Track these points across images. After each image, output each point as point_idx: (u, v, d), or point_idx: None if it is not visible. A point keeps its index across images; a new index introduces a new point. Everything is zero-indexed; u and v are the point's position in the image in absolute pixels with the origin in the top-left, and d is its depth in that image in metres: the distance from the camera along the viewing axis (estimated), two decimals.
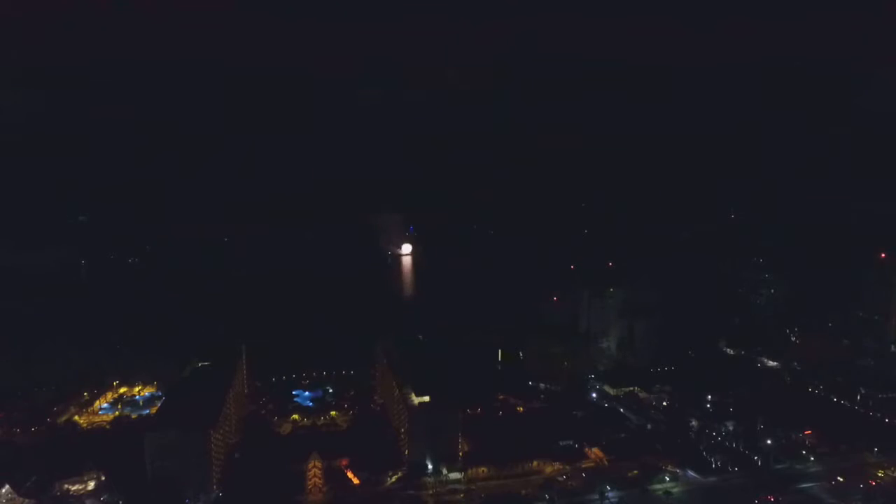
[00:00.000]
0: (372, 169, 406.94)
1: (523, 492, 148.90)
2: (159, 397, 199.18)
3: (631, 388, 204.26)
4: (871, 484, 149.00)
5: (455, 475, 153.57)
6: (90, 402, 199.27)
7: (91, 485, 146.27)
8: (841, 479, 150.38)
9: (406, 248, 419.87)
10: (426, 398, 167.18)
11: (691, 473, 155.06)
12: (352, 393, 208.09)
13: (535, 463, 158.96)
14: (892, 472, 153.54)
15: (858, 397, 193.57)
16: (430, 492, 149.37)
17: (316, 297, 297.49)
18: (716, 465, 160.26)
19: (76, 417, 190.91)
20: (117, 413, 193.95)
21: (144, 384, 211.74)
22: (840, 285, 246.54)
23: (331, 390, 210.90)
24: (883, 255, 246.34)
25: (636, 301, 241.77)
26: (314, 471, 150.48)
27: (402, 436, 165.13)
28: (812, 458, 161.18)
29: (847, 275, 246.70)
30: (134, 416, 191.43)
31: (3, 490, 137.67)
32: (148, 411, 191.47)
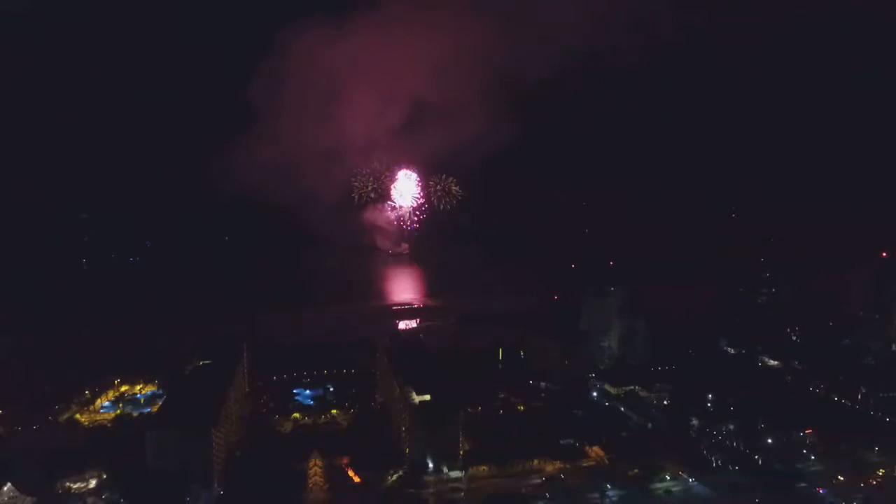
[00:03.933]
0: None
1: (524, 490, 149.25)
2: (160, 395, 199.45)
3: (632, 387, 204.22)
4: (871, 483, 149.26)
5: (456, 473, 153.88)
6: (91, 401, 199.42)
7: (92, 483, 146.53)
8: (841, 479, 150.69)
9: (405, 247, 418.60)
10: (427, 397, 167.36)
11: (692, 472, 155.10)
12: (353, 391, 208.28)
13: (535, 461, 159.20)
14: (893, 471, 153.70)
15: (859, 397, 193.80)
16: (431, 490, 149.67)
17: (315, 295, 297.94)
18: (716, 464, 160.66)
19: (77, 415, 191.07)
20: (118, 411, 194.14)
21: (146, 382, 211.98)
22: (840, 284, 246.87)
23: (332, 389, 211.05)
24: (884, 254, 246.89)
25: (637, 300, 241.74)
26: (315, 469, 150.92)
27: (403, 434, 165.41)
28: (813, 458, 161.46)
29: (848, 274, 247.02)
30: (135, 414, 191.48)
31: (5, 488, 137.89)
32: (149, 409, 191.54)
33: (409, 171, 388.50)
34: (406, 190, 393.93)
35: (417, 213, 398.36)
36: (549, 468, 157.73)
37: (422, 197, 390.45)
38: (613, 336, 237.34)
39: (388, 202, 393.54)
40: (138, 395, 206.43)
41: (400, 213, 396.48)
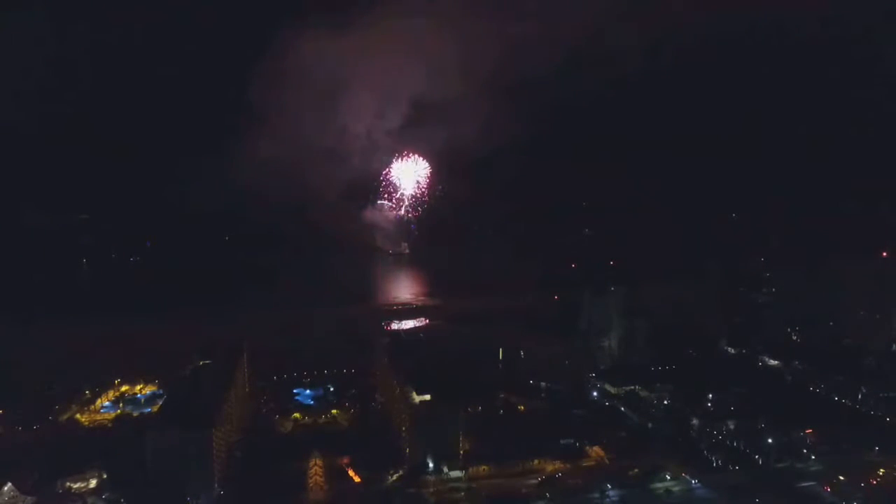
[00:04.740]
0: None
1: (524, 490, 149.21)
2: (161, 395, 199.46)
3: (632, 387, 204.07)
4: (871, 483, 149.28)
5: (456, 473, 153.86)
6: (92, 401, 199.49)
7: (93, 483, 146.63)
8: (842, 478, 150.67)
9: (405, 247, 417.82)
10: (427, 397, 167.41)
11: (692, 472, 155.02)
12: (353, 391, 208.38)
13: (536, 461, 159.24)
14: (893, 471, 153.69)
15: (859, 396, 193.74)
16: (432, 490, 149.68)
17: (315, 295, 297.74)
18: (717, 463, 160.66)
19: (78, 415, 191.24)
20: (119, 411, 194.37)
21: (146, 382, 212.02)
22: (841, 284, 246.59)
23: (332, 389, 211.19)
24: (884, 253, 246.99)
25: (637, 299, 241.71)
26: (315, 469, 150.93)
27: (403, 434, 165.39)
28: (813, 457, 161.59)
29: (848, 273, 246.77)
30: (135, 414, 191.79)
31: (6, 488, 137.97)
32: (149, 410, 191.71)
33: (418, 159, 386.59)
34: (410, 176, 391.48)
35: (415, 211, 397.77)
36: (549, 468, 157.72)
37: (425, 188, 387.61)
38: (613, 336, 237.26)
39: (387, 185, 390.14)
40: (138, 395, 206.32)
41: (399, 199, 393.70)
